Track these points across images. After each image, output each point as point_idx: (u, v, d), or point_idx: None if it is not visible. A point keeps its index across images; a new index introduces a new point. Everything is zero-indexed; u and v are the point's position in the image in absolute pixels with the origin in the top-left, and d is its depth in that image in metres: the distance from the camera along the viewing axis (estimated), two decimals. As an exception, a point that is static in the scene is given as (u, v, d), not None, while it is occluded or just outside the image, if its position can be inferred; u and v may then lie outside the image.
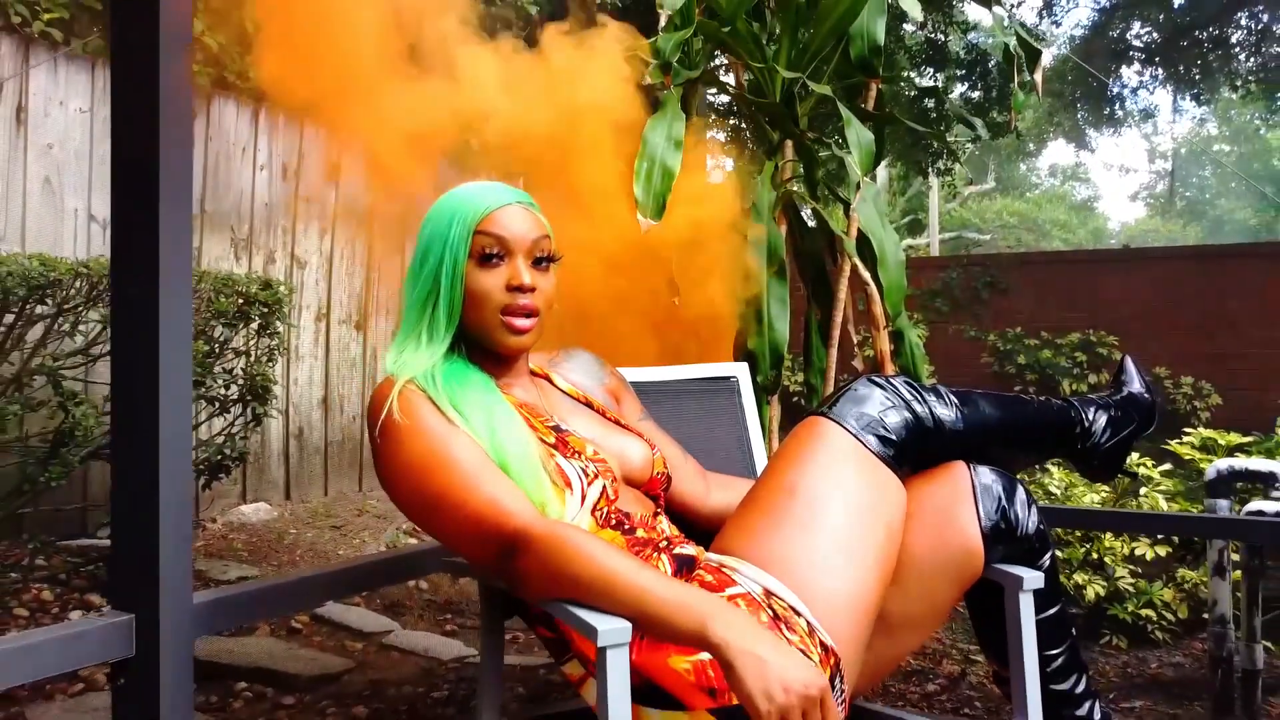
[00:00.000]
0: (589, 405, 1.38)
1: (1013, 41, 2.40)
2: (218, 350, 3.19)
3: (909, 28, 9.18)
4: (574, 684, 1.21)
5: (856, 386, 1.32)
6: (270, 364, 3.39)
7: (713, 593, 1.13)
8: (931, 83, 10.00)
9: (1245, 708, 2.75)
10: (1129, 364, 1.59)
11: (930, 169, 9.77)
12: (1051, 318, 8.12)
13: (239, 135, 4.30)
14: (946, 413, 1.33)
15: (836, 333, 2.18)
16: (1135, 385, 1.55)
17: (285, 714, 2.50)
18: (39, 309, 2.80)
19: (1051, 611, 1.34)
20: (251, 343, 3.34)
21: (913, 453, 1.31)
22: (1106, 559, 3.46)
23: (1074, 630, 1.38)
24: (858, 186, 1.86)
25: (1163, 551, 3.45)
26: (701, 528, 1.41)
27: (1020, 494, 1.31)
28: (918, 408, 1.31)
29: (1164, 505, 3.38)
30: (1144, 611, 3.39)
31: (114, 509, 1.32)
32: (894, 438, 1.28)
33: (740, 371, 1.65)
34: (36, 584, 2.95)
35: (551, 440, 1.19)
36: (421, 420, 1.13)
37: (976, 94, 9.50)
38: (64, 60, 3.63)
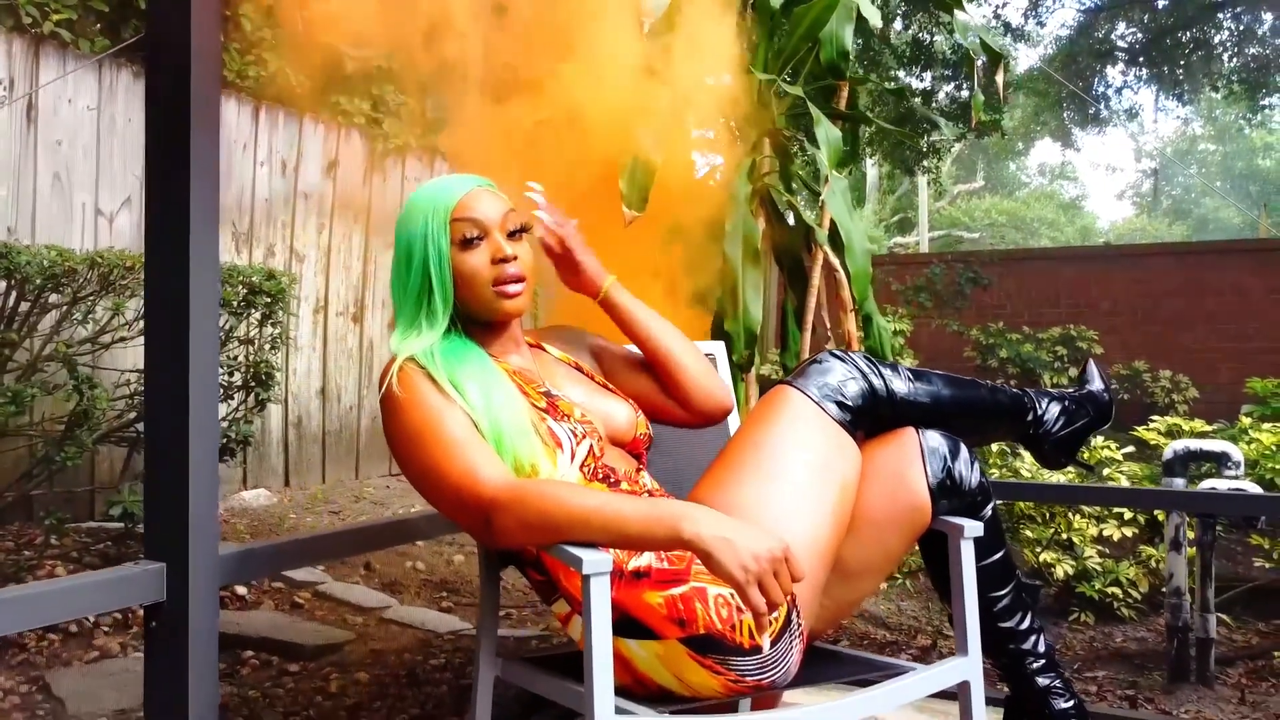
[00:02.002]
0: (579, 370, 1.52)
1: (975, 43, 2.54)
2: (223, 338, 3.32)
3: (897, 27, 9.36)
4: (561, 622, 1.35)
5: (820, 359, 1.48)
6: (274, 352, 3.52)
7: None
8: (915, 83, 10.17)
9: (1199, 674, 2.91)
10: (1092, 366, 1.75)
11: (916, 168, 9.95)
12: (1033, 313, 8.31)
13: (240, 132, 4.44)
14: (901, 386, 1.49)
15: (810, 317, 2.33)
16: (1095, 384, 1.72)
17: (291, 679, 2.64)
18: (53, 297, 2.93)
19: (995, 558, 1.50)
20: (255, 332, 3.47)
21: (868, 419, 1.47)
22: (1075, 539, 3.62)
23: (1018, 574, 1.54)
24: (826, 180, 2.01)
25: (1129, 532, 3.61)
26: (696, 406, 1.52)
27: (963, 454, 1.46)
28: (874, 380, 1.47)
29: (1126, 485, 3.55)
30: (1110, 589, 3.55)
31: (147, 467, 1.46)
32: (851, 405, 1.44)
33: (717, 350, 1.80)
34: (50, 560, 3.09)
35: (543, 405, 1.33)
36: (418, 395, 1.27)
37: (964, 93, 9.67)
38: (73, 59, 3.76)
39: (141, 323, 3.24)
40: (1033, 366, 7.64)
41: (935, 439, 1.46)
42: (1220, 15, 11.89)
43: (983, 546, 1.45)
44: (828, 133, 2.03)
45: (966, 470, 1.45)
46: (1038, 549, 3.54)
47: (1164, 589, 3.02)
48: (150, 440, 1.45)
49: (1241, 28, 12.12)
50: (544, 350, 1.53)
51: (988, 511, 1.48)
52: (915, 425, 1.48)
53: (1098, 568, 3.59)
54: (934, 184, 11.56)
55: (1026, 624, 1.52)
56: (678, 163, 2.04)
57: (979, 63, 2.59)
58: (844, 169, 2.14)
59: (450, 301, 1.36)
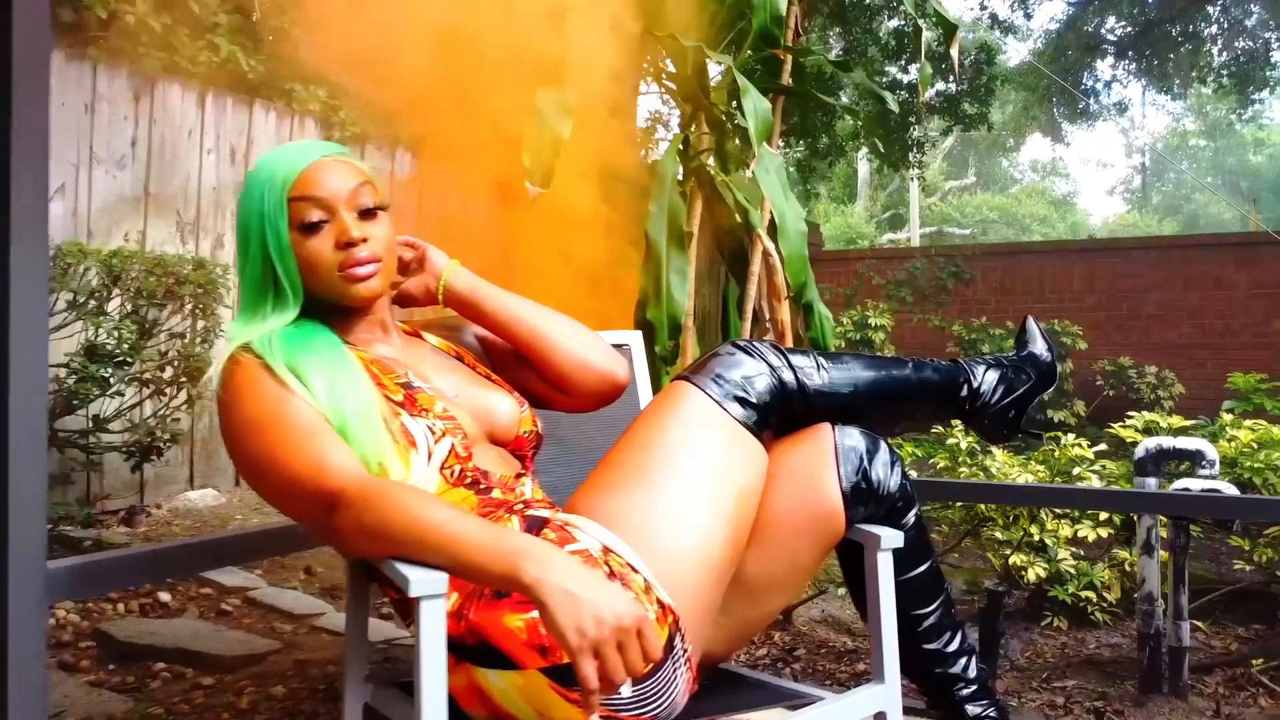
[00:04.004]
0: (460, 359, 1.36)
1: (919, 13, 2.38)
2: (150, 331, 3.15)
3: (892, 23, 9.20)
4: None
5: (721, 352, 1.31)
6: (207, 346, 3.35)
7: None
8: (902, 77, 10.01)
9: (1172, 685, 2.76)
10: (1030, 324, 1.59)
11: (902, 163, 9.80)
12: (1016, 308, 8.16)
13: (185, 118, 4.26)
14: (816, 377, 1.32)
15: (750, 305, 2.17)
16: (1037, 346, 1.55)
17: (202, 694, 2.47)
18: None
19: (919, 570, 1.33)
20: (187, 325, 3.30)
21: (777, 417, 1.30)
22: (1048, 541, 3.46)
23: (947, 589, 1.37)
24: (754, 156, 1.85)
25: (1105, 533, 3.45)
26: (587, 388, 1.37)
27: (883, 454, 1.30)
28: (784, 374, 1.31)
29: (1098, 485, 3.39)
30: (1084, 593, 3.39)
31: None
32: (757, 402, 1.28)
33: (633, 340, 1.64)
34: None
35: (399, 398, 1.17)
36: (254, 385, 1.11)
37: (949, 86, 9.53)
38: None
39: (69, 314, 3.07)
40: (1016, 362, 7.49)
41: (853, 437, 1.30)
42: (1209, 8, 11.75)
43: (905, 558, 1.29)
44: (756, 104, 1.86)
45: (885, 472, 1.29)
46: (1007, 551, 3.39)
47: (1136, 594, 2.87)
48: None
49: (1230, 21, 11.99)
50: (421, 338, 1.37)
51: (910, 519, 1.32)
52: (833, 420, 1.32)
53: (1071, 570, 3.44)
54: (920, 180, 11.40)
55: (956, 645, 1.36)
56: (595, 135, 1.88)
57: (928, 35, 2.42)
58: (788, 145, 1.98)
59: (299, 288, 1.20)
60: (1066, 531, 3.43)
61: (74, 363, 2.89)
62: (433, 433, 1.15)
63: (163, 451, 3.21)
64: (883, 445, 1.32)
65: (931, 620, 1.34)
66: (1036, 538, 3.41)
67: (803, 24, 2.25)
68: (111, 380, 2.97)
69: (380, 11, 1.85)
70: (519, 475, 1.26)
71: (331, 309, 1.23)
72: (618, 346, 1.62)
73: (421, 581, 0.93)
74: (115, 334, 2.98)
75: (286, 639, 2.90)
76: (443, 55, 1.92)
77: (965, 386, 1.46)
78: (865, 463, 1.29)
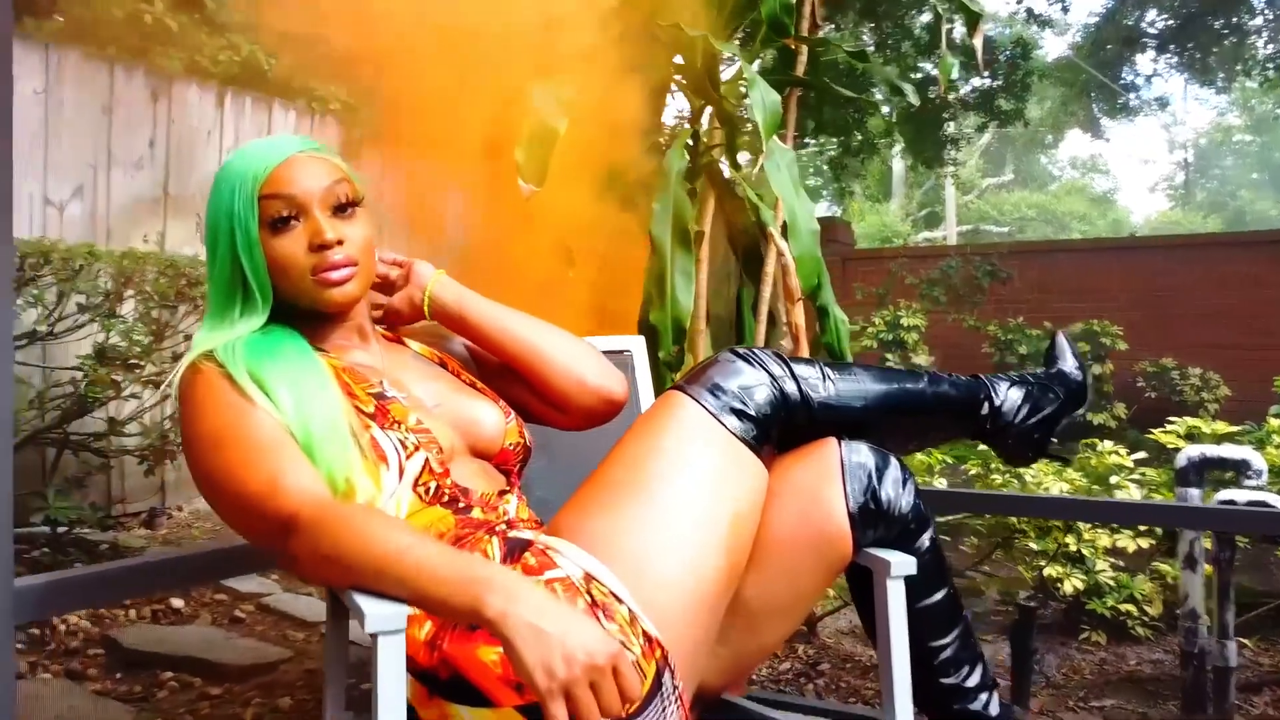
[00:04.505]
0: (444, 366, 1.28)
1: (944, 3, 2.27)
2: (163, 334, 3.11)
3: (925, 17, 9.03)
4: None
5: (719, 359, 1.22)
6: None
7: (533, 576, 1.03)
8: (936, 73, 9.81)
9: (1218, 706, 2.62)
10: (1061, 340, 1.48)
11: (936, 160, 9.62)
12: (1054, 307, 7.95)
13: (203, 118, 4.23)
14: (822, 388, 1.22)
15: (764, 307, 2.07)
16: (1067, 363, 1.44)
17: (209, 705, 2.42)
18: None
19: (936, 598, 1.23)
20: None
21: (779, 430, 1.21)
22: (1085, 551, 3.32)
23: (967, 617, 1.27)
24: (763, 150, 1.75)
25: (1145, 544, 3.31)
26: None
27: (893, 471, 1.20)
28: (786, 383, 1.21)
29: (1137, 495, 3.24)
30: (1124, 606, 3.25)
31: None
32: (756, 415, 1.18)
33: (635, 346, 1.55)
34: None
35: (370, 409, 1.09)
36: (214, 396, 1.04)
37: (985, 81, 9.34)
38: (17, 41, 3.57)
39: (82, 316, 3.04)
40: (1053, 364, 7.30)
41: (860, 453, 1.20)
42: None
43: (919, 584, 1.19)
44: (764, 96, 1.76)
45: (896, 491, 1.19)
46: (1041, 563, 3.25)
47: (1178, 610, 2.73)
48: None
49: (1276, 13, 11.65)
50: (403, 344, 1.29)
51: (924, 542, 1.21)
52: (840, 435, 1.22)
53: (1110, 582, 3.30)
54: (956, 177, 11.21)
55: (976, 679, 1.25)
56: (592, 129, 1.79)
57: (948, 28, 2.30)
58: (801, 140, 1.88)
59: (269, 293, 1.12)
60: (1105, 541, 3.29)
61: (85, 365, 2.86)
62: (404, 447, 1.07)
63: (175, 455, 3.17)
64: (893, 462, 1.22)
65: (949, 652, 1.23)
66: (1073, 548, 3.28)
67: (820, 14, 2.15)
68: (123, 383, 2.94)
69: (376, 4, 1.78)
70: (503, 492, 1.17)
71: (305, 314, 1.16)
72: (618, 352, 1.53)
73: (377, 616, 0.85)
74: (127, 336, 2.95)
75: (298, 647, 2.84)
76: (441, 48, 1.85)
77: (986, 404, 1.35)
78: (874, 481, 1.19)
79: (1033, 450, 1.38)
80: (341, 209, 1.14)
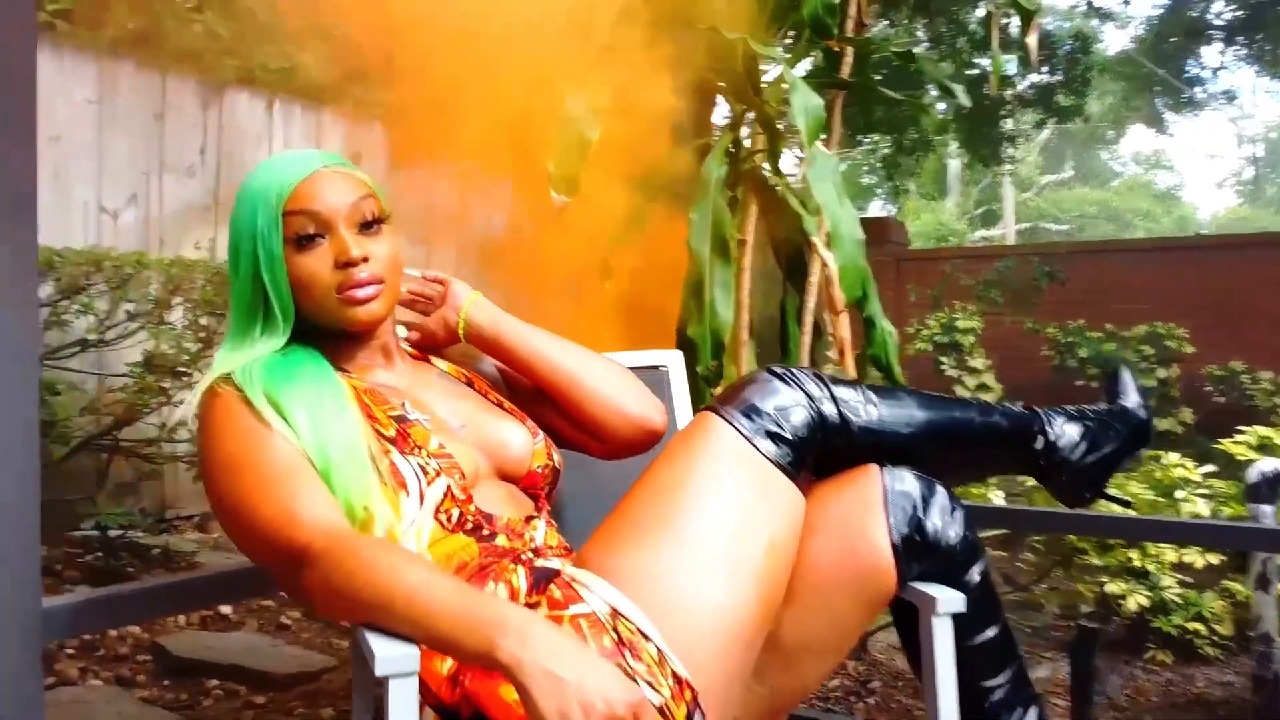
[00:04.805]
0: (470, 385, 1.25)
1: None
2: (211, 341, 3.13)
3: (980, 11, 8.84)
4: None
5: (755, 379, 1.16)
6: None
7: (557, 610, 0.98)
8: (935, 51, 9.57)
9: (1293, 734, 2.49)
10: (1124, 375, 1.39)
11: (992, 158, 9.41)
12: (1116, 309, 7.71)
13: (253, 125, 4.27)
14: (861, 411, 1.16)
15: (809, 317, 2.00)
16: (1130, 399, 1.35)
17: (253, 714, 2.43)
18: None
19: (988, 635, 1.15)
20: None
21: (817, 455, 1.15)
22: (1150, 567, 3.19)
23: (1021, 656, 1.19)
24: (803, 157, 1.69)
25: (1215, 559, 3.17)
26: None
27: (940, 499, 1.13)
28: (824, 405, 1.14)
29: (1205, 510, 3.10)
30: (1192, 625, 3.12)
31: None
32: (792, 438, 1.12)
33: (672, 361, 1.50)
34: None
35: (391, 433, 1.05)
36: (231, 421, 1.01)
37: (1043, 76, 9.12)
38: (70, 51, 3.63)
39: (131, 324, 3.08)
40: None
41: (905, 480, 1.13)
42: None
43: (969, 622, 1.12)
44: (806, 101, 1.69)
45: (944, 521, 1.12)
46: (1103, 579, 3.13)
47: (1251, 631, 2.60)
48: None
49: (1354, 1, 11.20)
50: (429, 363, 1.25)
51: (975, 575, 1.14)
52: (883, 461, 1.15)
53: (1177, 600, 3.16)
54: (1013, 174, 10.95)
55: (1032, 723, 1.18)
56: (625, 136, 1.74)
57: (1003, 23, 2.21)
58: (838, 144, 1.81)
59: (291, 312, 1.09)
60: (1171, 557, 3.16)
61: (134, 373, 2.88)
62: (425, 473, 1.03)
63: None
64: (940, 490, 1.15)
65: (1001, 694, 1.15)
66: (1137, 563, 3.15)
67: (869, 13, 2.07)
68: (172, 390, 2.96)
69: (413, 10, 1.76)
70: (530, 517, 1.13)
71: (328, 333, 1.13)
72: (654, 368, 1.48)
73: (388, 659, 0.81)
74: (176, 344, 2.97)
75: (343, 655, 2.84)
76: (480, 52, 1.82)
77: (1040, 438, 1.27)
78: (920, 510, 1.12)
79: (1089, 491, 1.30)
80: (367, 226, 1.11)
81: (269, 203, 1.08)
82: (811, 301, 1.98)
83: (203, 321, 3.11)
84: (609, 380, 1.23)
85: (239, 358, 1.07)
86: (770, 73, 2.10)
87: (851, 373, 1.91)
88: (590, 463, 1.34)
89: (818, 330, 2.01)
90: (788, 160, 2.12)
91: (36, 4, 1.23)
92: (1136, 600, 3.11)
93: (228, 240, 1.14)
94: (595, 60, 1.68)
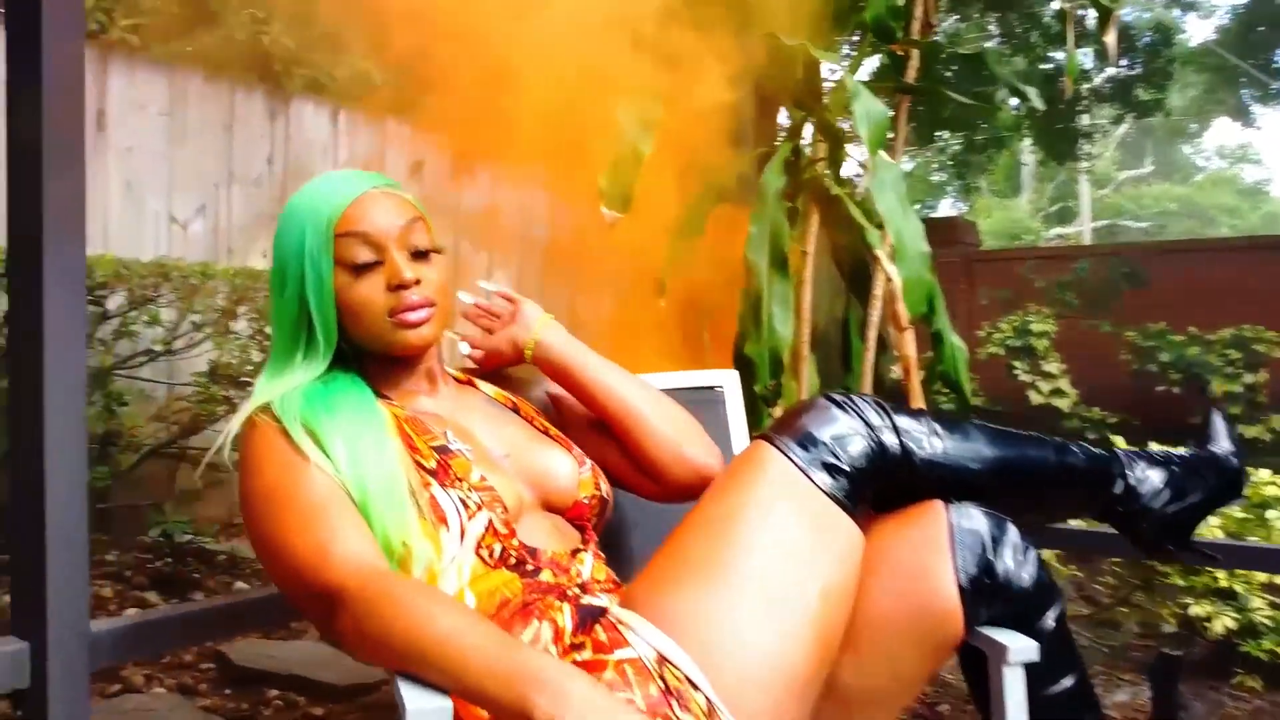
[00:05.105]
0: (515, 411, 1.21)
1: None
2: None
3: (1055, 4, 8.58)
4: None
5: (813, 405, 1.09)
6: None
7: (602, 654, 0.94)
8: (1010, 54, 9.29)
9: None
10: (1216, 419, 1.29)
11: (1068, 155, 9.12)
12: (1200, 311, 7.41)
13: (318, 135, 4.32)
14: (925, 443, 1.08)
15: (872, 333, 1.92)
16: (1221, 445, 1.25)
17: (309, 725, 2.44)
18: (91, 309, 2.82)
19: (1065, 685, 1.07)
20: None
21: (877, 489, 1.08)
22: (1239, 588, 3.03)
23: (1099, 707, 1.11)
24: (865, 167, 1.61)
25: (1309, 580, 3.00)
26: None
27: (1012, 538, 1.05)
28: (885, 435, 1.07)
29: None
30: (1284, 648, 2.95)
31: (9, 526, 1.24)
32: (850, 470, 1.05)
33: (727, 381, 1.44)
34: (99, 580, 3.00)
35: (432, 464, 1.02)
36: (268, 453, 0.99)
37: (1122, 70, 8.83)
38: (142, 64, 3.71)
39: (198, 333, 3.12)
40: (1199, 372, 6.79)
41: (973, 517, 1.06)
42: None
43: (1043, 671, 1.04)
44: (868, 108, 1.61)
45: (1016, 562, 1.04)
46: (1187, 600, 2.98)
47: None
48: (11, 489, 1.23)
49: None
50: (474, 386, 1.22)
51: (1050, 621, 1.06)
52: (947, 496, 1.08)
53: (1268, 622, 3.00)
54: (1090, 171, 10.61)
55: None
56: (681, 145, 1.69)
57: (1079, 16, 2.10)
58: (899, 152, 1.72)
59: (334, 336, 1.07)
60: (1261, 577, 3.00)
61: (199, 382, 2.92)
62: (466, 507, 0.99)
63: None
64: (1010, 527, 1.07)
65: (1080, 751, 1.07)
66: (1223, 583, 2.99)
67: (935, 13, 1.98)
68: (236, 400, 2.99)
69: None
70: (576, 551, 1.08)
71: (372, 358, 1.10)
72: (709, 388, 1.43)
73: (420, 712, 0.78)
74: (240, 354, 3.01)
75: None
76: (540, 63, 1.79)
77: (1120, 481, 1.18)
78: (989, 550, 1.04)
79: (1172, 543, 1.20)
80: (421, 254, 1.09)
81: (319, 224, 1.06)
82: (875, 314, 1.91)
83: (267, 331, 3.14)
84: (673, 421, 1.19)
85: (279, 385, 1.05)
86: (832, 71, 2.03)
87: (917, 392, 1.83)
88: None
89: (882, 344, 1.93)
90: (849, 163, 2.04)
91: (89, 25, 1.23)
92: (1223, 623, 2.96)
93: (273, 260, 1.11)
94: (650, 68, 1.64)
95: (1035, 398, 6.82)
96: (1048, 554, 2.95)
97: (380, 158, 4.58)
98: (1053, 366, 6.97)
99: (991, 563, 1.04)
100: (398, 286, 1.06)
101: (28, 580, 1.19)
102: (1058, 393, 6.91)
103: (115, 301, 2.91)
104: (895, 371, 1.89)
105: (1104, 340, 7.44)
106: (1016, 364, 6.90)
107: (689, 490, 1.19)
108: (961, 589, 1.02)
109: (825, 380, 2.08)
